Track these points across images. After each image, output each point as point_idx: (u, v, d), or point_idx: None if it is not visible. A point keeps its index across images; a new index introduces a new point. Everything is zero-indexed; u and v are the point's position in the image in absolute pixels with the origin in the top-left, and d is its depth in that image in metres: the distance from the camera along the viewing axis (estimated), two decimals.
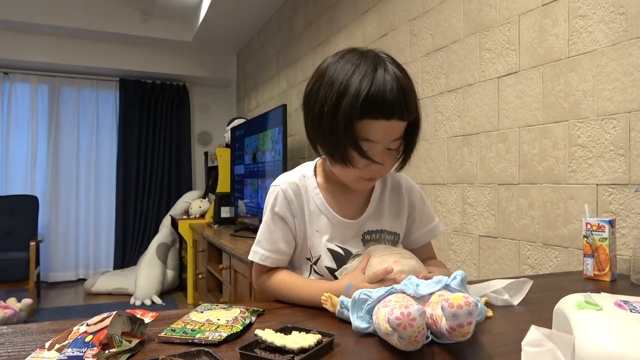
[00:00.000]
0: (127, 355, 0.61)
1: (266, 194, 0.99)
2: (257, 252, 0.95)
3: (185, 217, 4.49)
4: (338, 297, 0.76)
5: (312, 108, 0.87)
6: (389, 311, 0.57)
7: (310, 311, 0.82)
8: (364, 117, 0.80)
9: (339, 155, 0.85)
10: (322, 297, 0.78)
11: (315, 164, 1.01)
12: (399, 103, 0.80)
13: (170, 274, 4.55)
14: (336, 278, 0.91)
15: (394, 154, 0.89)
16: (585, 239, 1.08)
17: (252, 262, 0.97)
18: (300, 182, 0.96)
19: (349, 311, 0.70)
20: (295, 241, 0.96)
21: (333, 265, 0.92)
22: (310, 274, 0.95)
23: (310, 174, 0.98)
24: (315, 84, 0.87)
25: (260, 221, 0.99)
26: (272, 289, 0.94)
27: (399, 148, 0.89)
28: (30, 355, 0.59)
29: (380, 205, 0.98)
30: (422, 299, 0.65)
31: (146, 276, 4.25)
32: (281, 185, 0.95)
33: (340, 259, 0.92)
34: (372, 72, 0.80)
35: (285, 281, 0.92)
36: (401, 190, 1.01)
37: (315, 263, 0.94)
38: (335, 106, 0.81)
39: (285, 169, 2.49)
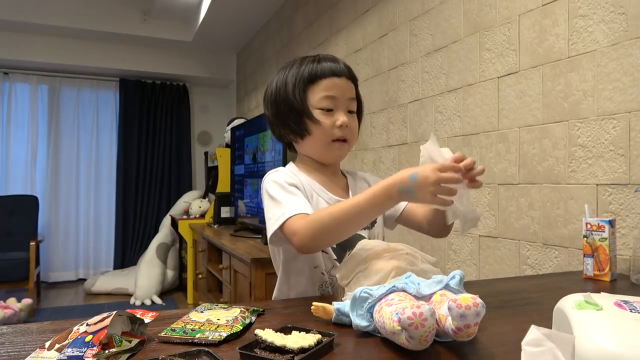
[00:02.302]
0: (127, 355, 0.61)
1: None
2: (285, 214, 0.86)
3: (185, 217, 4.48)
4: (399, 189, 0.77)
5: (273, 102, 1.01)
6: (400, 310, 0.57)
7: (311, 311, 0.82)
8: (322, 77, 0.97)
9: (306, 117, 0.96)
10: (312, 308, 0.75)
11: (294, 165, 1.07)
12: (344, 65, 1.01)
13: (170, 274, 4.55)
14: (341, 260, 0.87)
15: (355, 118, 1.03)
16: (585, 239, 1.08)
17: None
18: (291, 170, 1.02)
19: (347, 317, 0.70)
20: None
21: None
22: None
23: (296, 169, 1.04)
24: (268, 88, 1.03)
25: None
26: (320, 218, 0.83)
27: (358, 116, 1.04)
28: (30, 355, 0.59)
29: (355, 191, 1.05)
30: (423, 299, 0.65)
31: (146, 276, 4.25)
32: (279, 169, 1.00)
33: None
34: (313, 56, 1.01)
35: (330, 207, 0.86)
36: (361, 179, 1.13)
37: None
38: (293, 81, 0.98)
39: None
